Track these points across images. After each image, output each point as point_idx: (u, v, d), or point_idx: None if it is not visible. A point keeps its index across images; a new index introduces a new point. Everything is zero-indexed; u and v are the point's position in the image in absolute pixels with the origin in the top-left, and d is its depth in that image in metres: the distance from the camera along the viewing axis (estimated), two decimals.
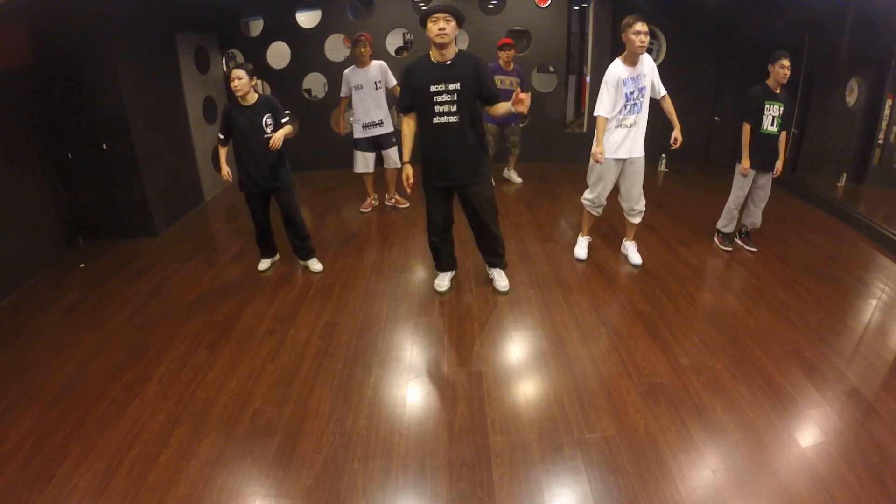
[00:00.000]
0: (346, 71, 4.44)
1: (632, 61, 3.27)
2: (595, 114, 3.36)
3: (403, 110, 2.99)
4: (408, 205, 4.90)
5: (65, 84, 3.90)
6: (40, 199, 3.89)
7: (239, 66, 3.22)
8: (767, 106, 3.57)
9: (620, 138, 3.38)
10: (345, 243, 4.17)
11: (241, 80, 3.18)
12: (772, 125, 3.60)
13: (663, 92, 3.40)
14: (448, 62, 2.79)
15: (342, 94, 4.54)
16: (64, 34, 3.79)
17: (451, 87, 2.79)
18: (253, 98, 3.28)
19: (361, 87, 4.39)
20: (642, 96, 3.33)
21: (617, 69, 3.28)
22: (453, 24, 2.71)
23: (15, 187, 3.62)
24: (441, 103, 2.82)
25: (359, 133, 4.55)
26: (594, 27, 6.20)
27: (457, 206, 3.16)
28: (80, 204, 4.21)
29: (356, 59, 4.37)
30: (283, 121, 3.34)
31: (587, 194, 3.66)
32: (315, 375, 2.58)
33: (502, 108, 2.86)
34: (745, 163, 3.68)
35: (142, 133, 4.23)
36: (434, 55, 2.81)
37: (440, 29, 2.68)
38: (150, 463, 2.06)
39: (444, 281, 3.37)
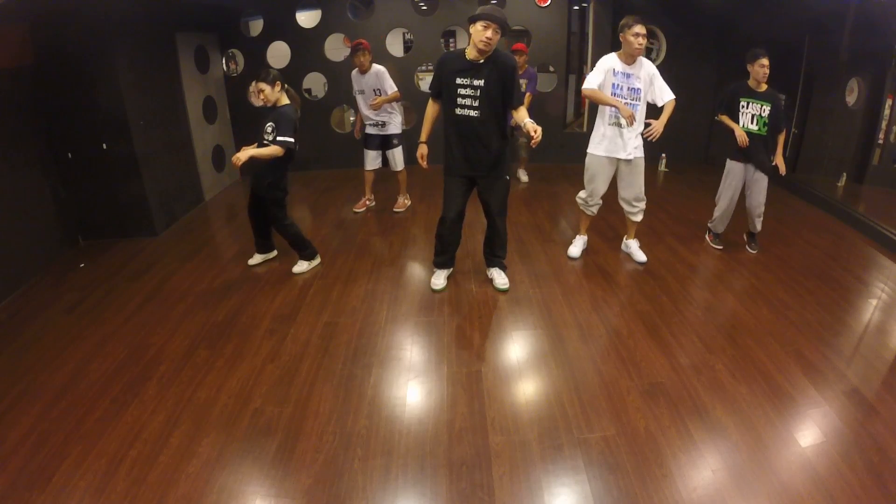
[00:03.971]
0: (353, 72, 4.46)
1: (627, 60, 3.27)
2: (583, 88, 3.33)
3: (432, 95, 3.13)
4: (402, 210, 4.89)
5: (65, 84, 3.90)
6: (40, 199, 3.89)
7: (260, 77, 3.20)
8: (744, 103, 3.56)
9: (611, 137, 3.38)
10: (345, 243, 4.18)
11: (264, 93, 3.21)
12: (752, 123, 3.58)
13: (669, 97, 3.32)
14: (480, 61, 2.87)
15: (354, 94, 4.57)
16: (64, 34, 3.79)
17: (476, 83, 2.88)
18: (283, 101, 3.29)
19: (363, 93, 4.45)
20: (636, 98, 3.30)
21: (611, 59, 3.29)
22: (499, 35, 2.80)
23: (15, 187, 3.61)
24: (464, 96, 2.92)
25: (367, 129, 4.62)
26: (594, 27, 6.21)
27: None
28: (80, 204, 4.21)
29: (355, 65, 4.37)
30: (279, 139, 3.19)
31: (581, 192, 3.69)
32: (315, 375, 2.58)
33: (519, 116, 2.96)
34: (739, 130, 3.58)
35: (142, 133, 4.23)
36: (470, 53, 2.88)
37: (487, 38, 2.76)
38: (150, 463, 2.06)
39: (439, 279, 3.38)
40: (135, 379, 2.58)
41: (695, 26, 5.94)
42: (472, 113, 2.93)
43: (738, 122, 3.61)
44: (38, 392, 2.50)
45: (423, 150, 3.15)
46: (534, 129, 2.76)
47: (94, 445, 2.16)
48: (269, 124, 3.28)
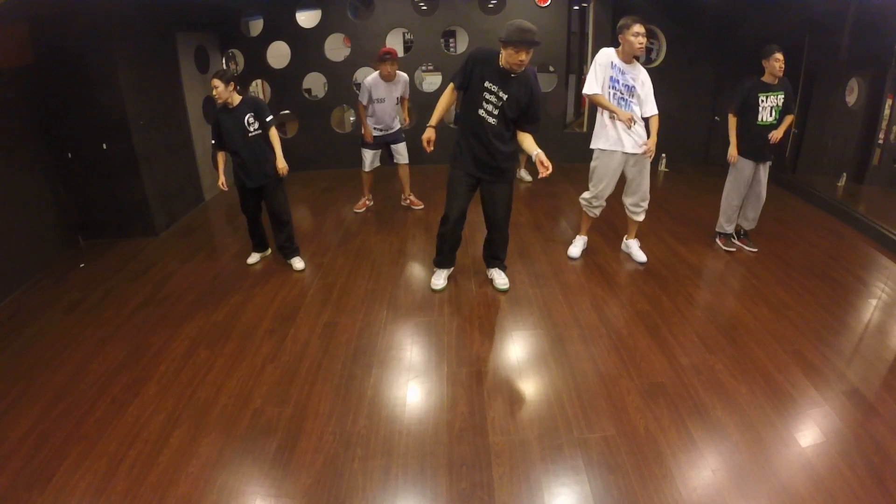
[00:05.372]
0: (369, 80, 4.35)
1: (626, 59, 3.27)
2: (584, 93, 3.37)
3: (454, 85, 3.04)
4: (422, 206, 4.89)
5: (65, 84, 3.90)
6: (40, 198, 3.89)
7: (216, 74, 3.28)
8: (763, 98, 3.57)
9: (617, 132, 3.37)
10: (344, 243, 4.18)
11: (217, 90, 3.27)
12: (770, 116, 3.61)
13: (653, 111, 3.35)
14: (512, 75, 2.85)
15: (362, 101, 4.44)
16: (64, 34, 3.79)
17: (502, 94, 2.87)
18: (236, 100, 3.34)
19: (384, 101, 4.40)
20: (631, 94, 3.31)
21: (610, 54, 3.29)
22: (531, 54, 2.77)
23: (15, 187, 3.61)
24: (487, 101, 2.90)
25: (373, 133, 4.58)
26: (594, 27, 6.21)
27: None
28: (79, 204, 4.21)
29: (381, 74, 4.30)
30: (268, 119, 3.41)
31: (585, 193, 3.67)
32: (315, 375, 2.58)
33: (528, 146, 2.96)
34: (733, 150, 3.68)
35: (142, 133, 4.23)
36: (503, 62, 2.82)
37: (521, 61, 2.73)
38: (150, 463, 2.06)
39: (439, 279, 3.38)
40: (135, 379, 2.58)
41: (695, 26, 5.93)
42: (490, 119, 2.92)
43: (756, 117, 3.60)
44: (38, 392, 2.50)
45: (431, 133, 3.01)
46: (545, 163, 2.79)
47: (94, 445, 2.16)
48: (248, 115, 3.35)
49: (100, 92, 3.98)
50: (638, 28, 3.15)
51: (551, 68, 6.44)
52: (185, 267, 3.82)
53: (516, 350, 2.80)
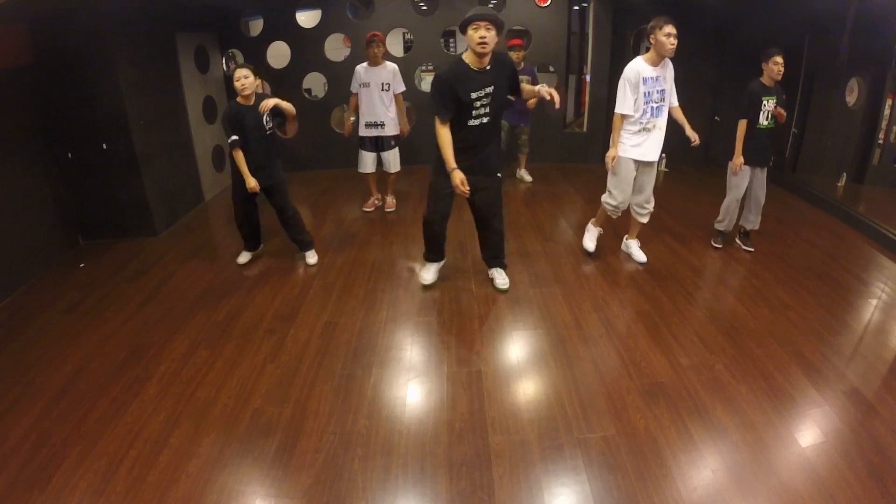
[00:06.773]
0: (359, 67, 4.41)
1: (655, 62, 3.23)
2: (616, 111, 3.34)
3: (443, 119, 2.85)
4: (393, 209, 4.88)
5: (65, 84, 3.90)
6: (40, 198, 3.88)
7: (243, 65, 3.27)
8: (765, 101, 3.58)
9: (641, 141, 3.36)
10: (345, 243, 4.17)
11: (247, 80, 3.24)
12: (766, 120, 3.62)
13: (675, 102, 3.38)
14: (487, 68, 2.82)
15: (352, 90, 4.49)
16: (64, 34, 3.78)
17: (487, 90, 2.85)
18: (253, 98, 3.32)
19: (369, 86, 4.38)
20: (663, 100, 3.30)
21: (638, 65, 3.24)
22: (493, 32, 2.71)
23: (15, 187, 3.61)
24: (478, 107, 2.87)
25: (362, 131, 4.55)
26: (594, 27, 6.20)
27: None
28: (80, 204, 4.21)
29: (368, 58, 4.35)
30: (285, 101, 3.39)
31: (610, 200, 3.56)
32: (315, 375, 2.58)
33: (528, 89, 2.99)
34: (739, 160, 3.66)
35: (142, 133, 4.23)
36: (472, 61, 2.80)
37: (481, 37, 2.69)
38: (150, 463, 2.06)
39: (429, 273, 3.38)
40: (135, 379, 2.58)
41: (695, 26, 5.92)
42: (485, 120, 2.90)
43: (757, 120, 3.60)
44: (38, 392, 2.50)
45: (461, 175, 2.85)
46: (548, 92, 2.84)
47: (94, 445, 2.16)
48: (265, 116, 3.32)
49: (100, 92, 3.98)
50: (670, 28, 3.10)
51: (551, 68, 6.44)
52: (185, 267, 3.82)
53: (516, 350, 2.80)
